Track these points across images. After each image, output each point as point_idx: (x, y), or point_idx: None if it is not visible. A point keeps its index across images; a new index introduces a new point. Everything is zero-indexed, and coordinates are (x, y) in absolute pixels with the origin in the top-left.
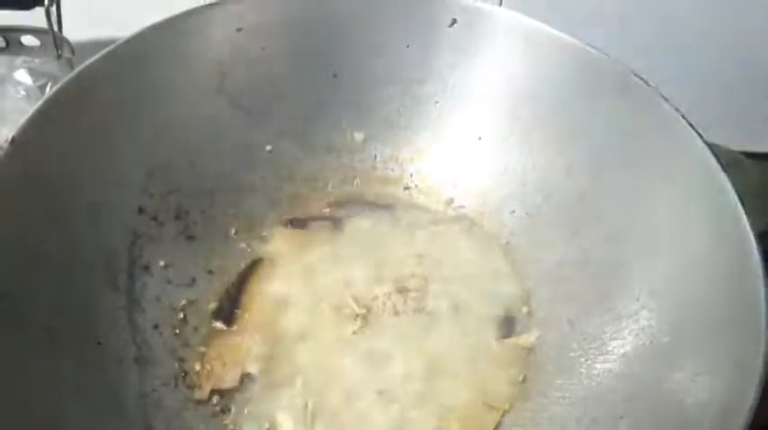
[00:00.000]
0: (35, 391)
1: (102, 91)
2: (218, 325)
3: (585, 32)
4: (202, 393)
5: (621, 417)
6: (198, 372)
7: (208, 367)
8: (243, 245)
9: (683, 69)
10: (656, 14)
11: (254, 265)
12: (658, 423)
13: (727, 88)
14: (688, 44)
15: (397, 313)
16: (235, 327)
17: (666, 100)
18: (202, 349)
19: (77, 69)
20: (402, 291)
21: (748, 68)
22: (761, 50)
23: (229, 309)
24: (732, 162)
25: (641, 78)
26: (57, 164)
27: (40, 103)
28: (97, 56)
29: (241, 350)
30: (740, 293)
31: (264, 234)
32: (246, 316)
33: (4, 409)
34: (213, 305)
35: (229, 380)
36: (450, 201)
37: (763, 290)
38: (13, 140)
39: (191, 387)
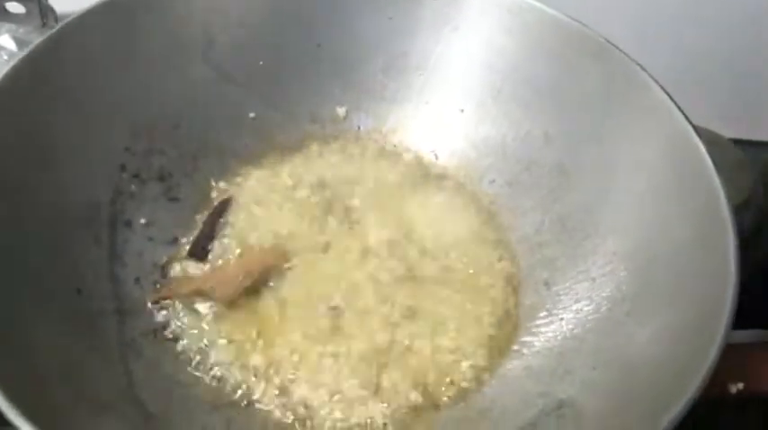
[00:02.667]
0: (12, 329)
1: (87, 44)
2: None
3: (572, 10)
4: (155, 296)
5: (594, 368)
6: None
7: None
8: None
9: (673, 57)
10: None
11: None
12: (629, 372)
13: (717, 77)
14: (678, 29)
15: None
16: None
17: (644, 69)
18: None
19: (61, 23)
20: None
21: (739, 58)
22: (749, 39)
23: (203, 245)
24: (711, 141)
25: (618, 48)
26: (38, 114)
27: (23, 53)
28: (84, 9)
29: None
30: (710, 255)
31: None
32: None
33: None
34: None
35: (187, 291)
36: (431, 172)
37: (733, 253)
38: None
39: (171, 338)
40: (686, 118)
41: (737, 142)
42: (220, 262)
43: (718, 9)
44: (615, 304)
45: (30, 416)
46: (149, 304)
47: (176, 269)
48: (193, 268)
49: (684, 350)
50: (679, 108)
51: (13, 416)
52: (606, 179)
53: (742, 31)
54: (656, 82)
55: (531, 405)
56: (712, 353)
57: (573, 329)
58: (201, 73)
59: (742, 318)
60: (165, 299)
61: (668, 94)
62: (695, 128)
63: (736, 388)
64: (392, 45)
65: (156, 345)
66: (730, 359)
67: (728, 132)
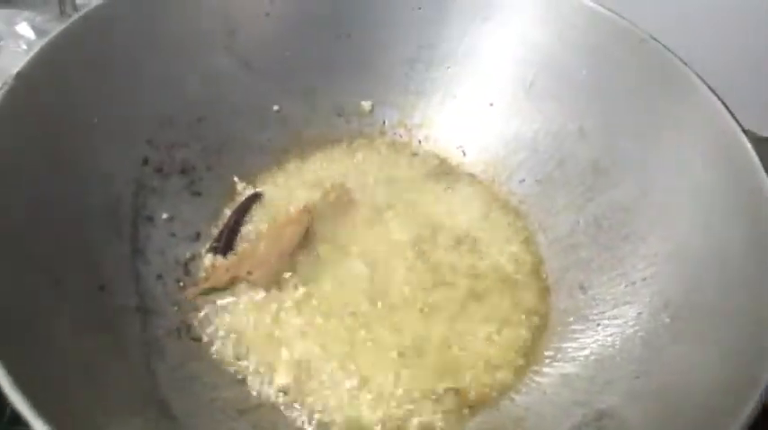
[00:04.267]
0: (36, 328)
1: (109, 34)
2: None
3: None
4: (194, 292)
5: (637, 378)
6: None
7: (208, 272)
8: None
9: (711, 55)
10: None
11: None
12: (675, 384)
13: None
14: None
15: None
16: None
17: (684, 63)
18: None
19: (81, 12)
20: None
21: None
22: None
23: (227, 240)
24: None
25: (660, 43)
26: (61, 102)
27: (45, 40)
28: None
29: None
30: (759, 259)
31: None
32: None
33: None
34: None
35: (225, 281)
36: (458, 169)
37: None
38: (18, 75)
39: (195, 338)
40: (732, 115)
41: None
42: (245, 245)
43: (757, 6)
44: (657, 310)
45: (53, 423)
46: (187, 299)
47: (201, 264)
48: (218, 261)
49: (736, 362)
50: (725, 105)
51: (35, 421)
52: (645, 177)
53: None
54: (701, 78)
55: (568, 415)
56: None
57: (611, 336)
58: (224, 63)
59: None
60: (205, 292)
61: (713, 91)
62: (738, 121)
63: None
64: (420, 36)
65: (180, 345)
66: None
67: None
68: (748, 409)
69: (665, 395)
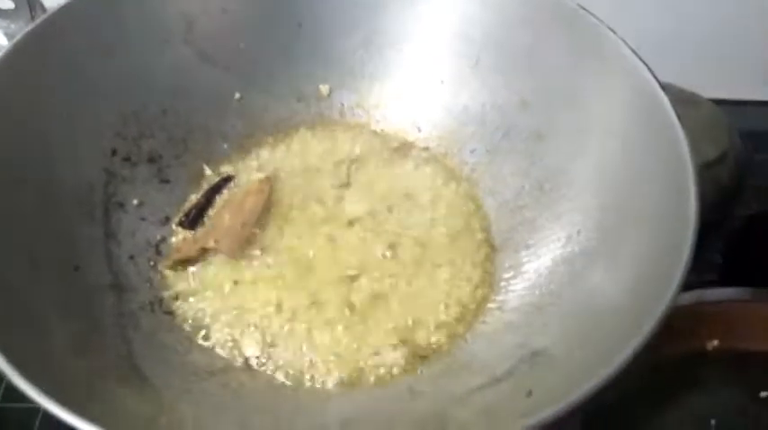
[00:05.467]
0: (19, 307)
1: (71, 34)
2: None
3: None
4: (167, 264)
5: (567, 319)
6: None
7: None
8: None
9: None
10: None
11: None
12: (597, 320)
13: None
14: None
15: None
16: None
17: (614, 32)
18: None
19: (45, 14)
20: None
21: (722, 24)
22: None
23: (195, 216)
24: (688, 100)
25: (590, 13)
26: (30, 101)
27: (11, 42)
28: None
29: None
30: (674, 210)
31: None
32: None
33: None
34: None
35: (194, 251)
36: (414, 144)
37: (693, 210)
38: None
39: (167, 312)
40: (652, 73)
41: (720, 102)
42: (212, 217)
43: None
44: (589, 259)
45: (47, 391)
46: (164, 271)
47: (171, 244)
48: (188, 235)
49: (645, 299)
50: (646, 65)
51: (33, 393)
52: (580, 141)
53: None
54: (626, 43)
55: (509, 356)
56: (663, 304)
57: (549, 284)
58: (184, 57)
59: (723, 275)
60: (177, 263)
61: (636, 53)
62: (661, 84)
63: (711, 345)
64: (370, 22)
65: (153, 318)
66: (707, 317)
67: (711, 93)
68: (642, 335)
69: (588, 331)
